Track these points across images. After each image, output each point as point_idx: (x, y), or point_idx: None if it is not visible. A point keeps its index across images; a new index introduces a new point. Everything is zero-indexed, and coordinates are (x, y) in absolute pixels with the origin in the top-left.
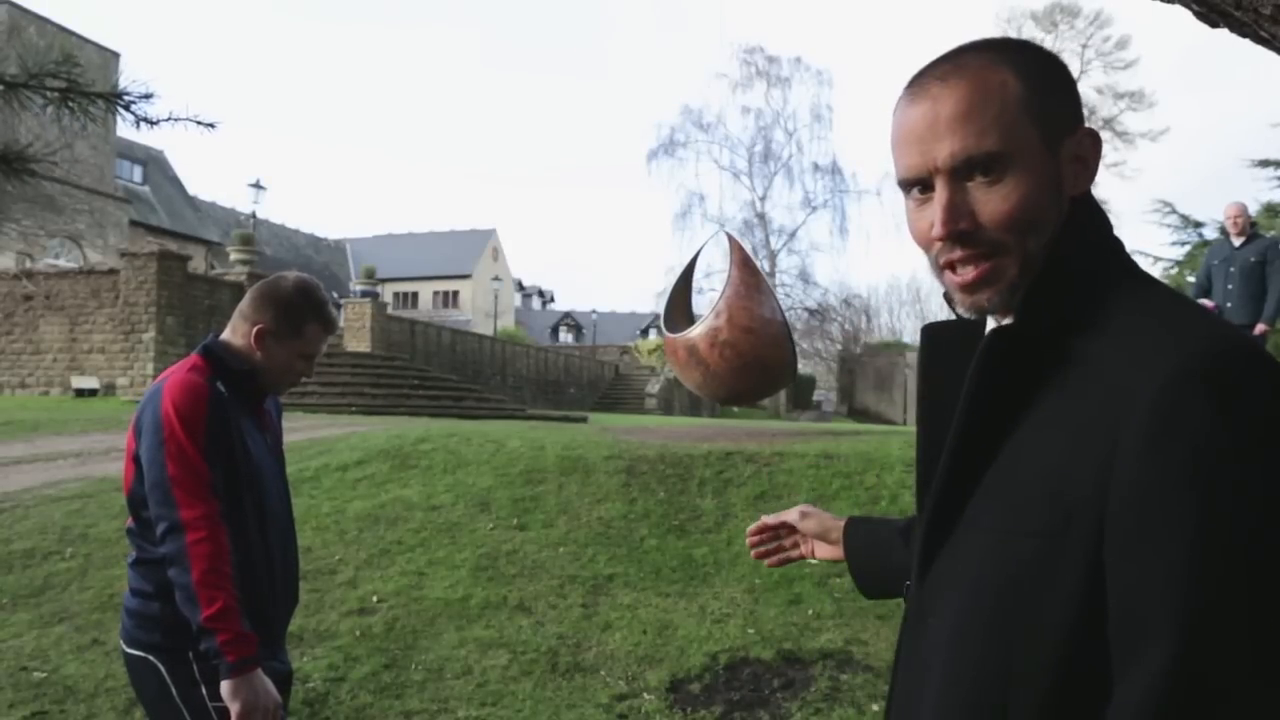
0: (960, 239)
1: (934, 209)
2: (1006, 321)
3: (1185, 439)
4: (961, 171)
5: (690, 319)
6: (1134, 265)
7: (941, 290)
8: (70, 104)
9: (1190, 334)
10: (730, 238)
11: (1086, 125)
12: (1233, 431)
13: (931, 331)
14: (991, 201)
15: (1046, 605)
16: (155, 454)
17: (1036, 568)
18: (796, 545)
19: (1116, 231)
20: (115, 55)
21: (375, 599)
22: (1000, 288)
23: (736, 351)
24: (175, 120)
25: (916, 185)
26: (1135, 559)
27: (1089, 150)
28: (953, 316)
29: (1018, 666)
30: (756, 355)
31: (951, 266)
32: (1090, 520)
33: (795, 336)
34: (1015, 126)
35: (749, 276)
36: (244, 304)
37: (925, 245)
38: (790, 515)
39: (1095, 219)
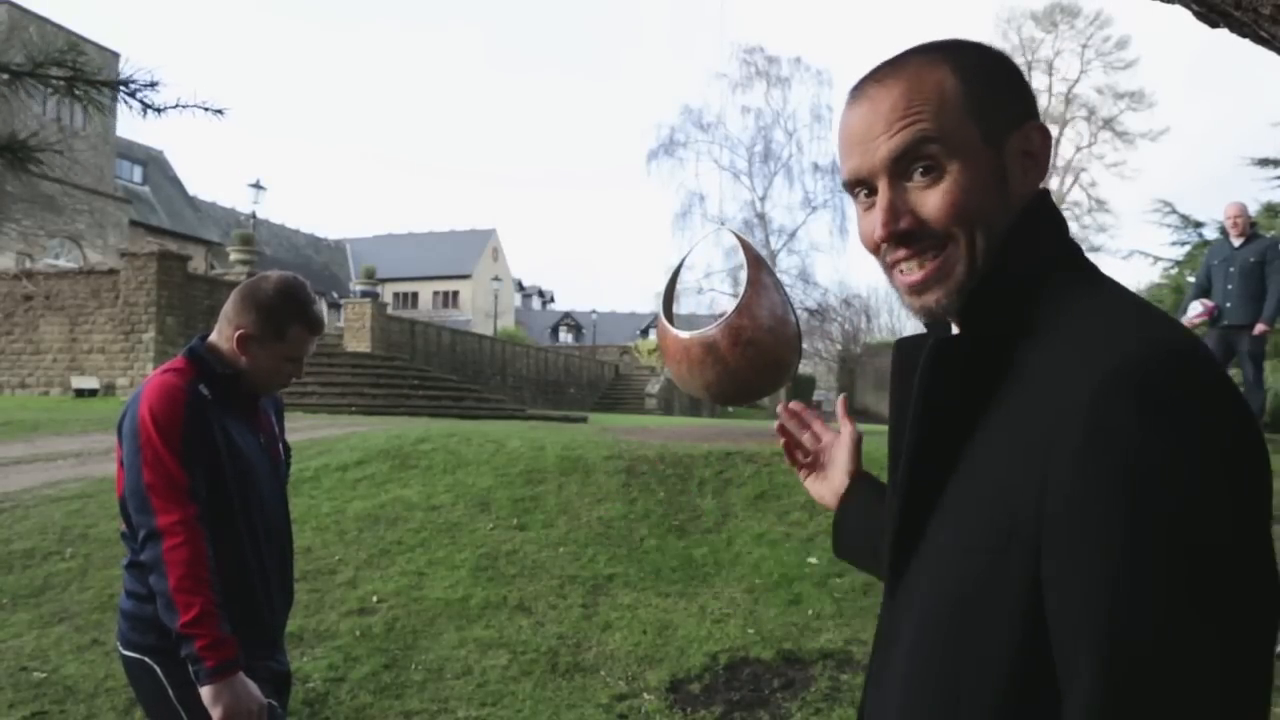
0: (901, 239)
1: (875, 211)
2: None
3: (1112, 451)
4: (899, 169)
5: (672, 318)
6: (1087, 267)
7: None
8: (76, 92)
9: (1122, 340)
10: (739, 238)
11: (1035, 121)
12: (1161, 441)
13: (902, 345)
14: (931, 198)
15: (993, 623)
16: (133, 460)
17: (985, 585)
18: (809, 454)
19: (1116, 231)
20: (115, 55)
21: (375, 599)
22: (949, 288)
23: (759, 350)
24: (183, 107)
25: (862, 188)
26: (1063, 578)
27: (1037, 145)
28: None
29: (968, 685)
30: (775, 354)
31: (898, 268)
32: (1029, 536)
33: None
34: (953, 120)
35: (766, 275)
36: (227, 306)
37: (872, 249)
38: (844, 429)
39: (1045, 220)
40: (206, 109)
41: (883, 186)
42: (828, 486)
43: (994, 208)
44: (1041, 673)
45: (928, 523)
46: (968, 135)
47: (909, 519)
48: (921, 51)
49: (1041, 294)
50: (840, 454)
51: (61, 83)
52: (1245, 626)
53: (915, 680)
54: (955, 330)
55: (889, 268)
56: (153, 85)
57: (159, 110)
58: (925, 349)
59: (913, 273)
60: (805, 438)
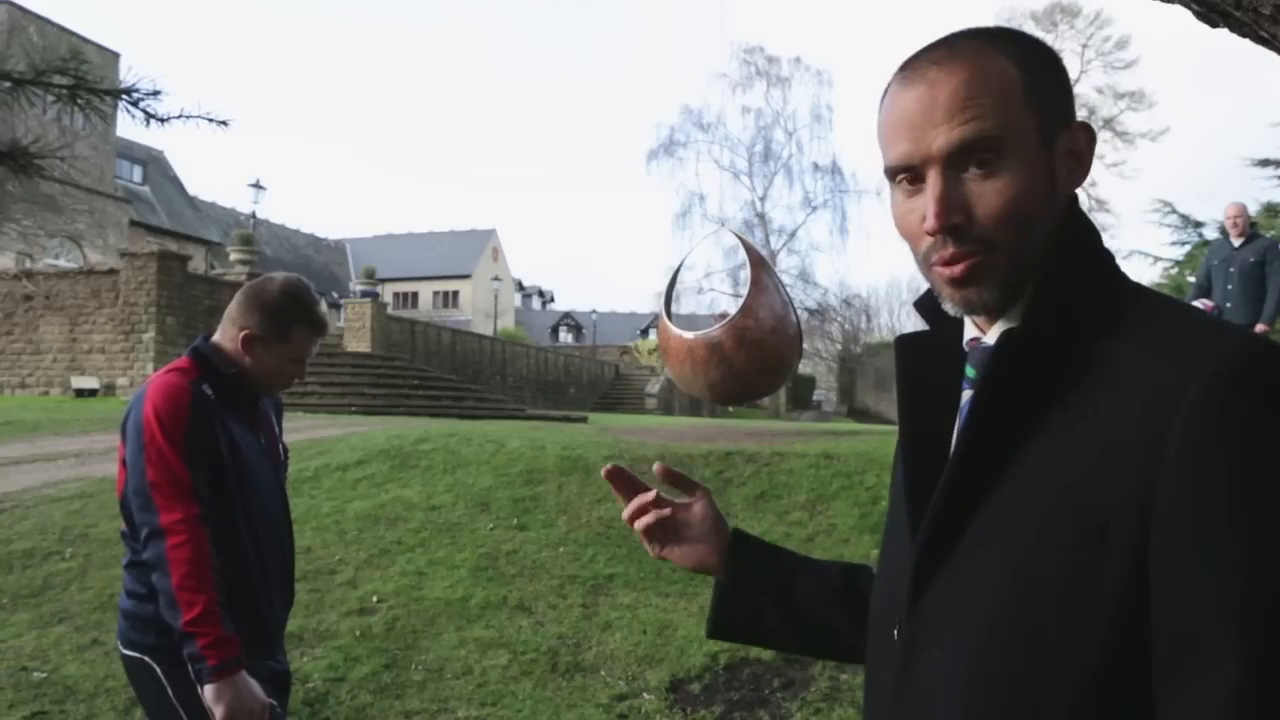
0: (954, 233)
1: (925, 200)
2: (1000, 325)
3: (1235, 441)
4: (956, 161)
5: (671, 318)
6: (1124, 274)
7: (919, 291)
8: (78, 101)
9: (1221, 337)
10: (741, 238)
11: (1082, 122)
12: None
13: (907, 343)
14: (986, 195)
15: (1082, 620)
16: (136, 458)
17: (1068, 583)
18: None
19: (1116, 231)
20: (115, 55)
21: (375, 599)
22: (991, 283)
23: (763, 350)
24: (186, 118)
25: (906, 174)
26: (1191, 568)
27: (1083, 146)
28: (924, 327)
29: (1049, 686)
30: (779, 354)
31: (942, 261)
32: (1130, 529)
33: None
34: (1014, 115)
35: (768, 276)
36: (232, 307)
37: (913, 238)
38: (693, 496)
39: (1089, 224)
40: (211, 120)
41: (934, 176)
42: (691, 553)
43: (1042, 208)
44: (1133, 670)
45: (969, 524)
46: (1026, 131)
47: (948, 520)
48: (977, 36)
49: (1102, 294)
50: (697, 512)
51: (64, 90)
52: None
53: (978, 687)
54: (971, 328)
55: (931, 260)
56: (155, 94)
57: (162, 120)
58: (995, 343)
59: (956, 266)
60: (640, 506)
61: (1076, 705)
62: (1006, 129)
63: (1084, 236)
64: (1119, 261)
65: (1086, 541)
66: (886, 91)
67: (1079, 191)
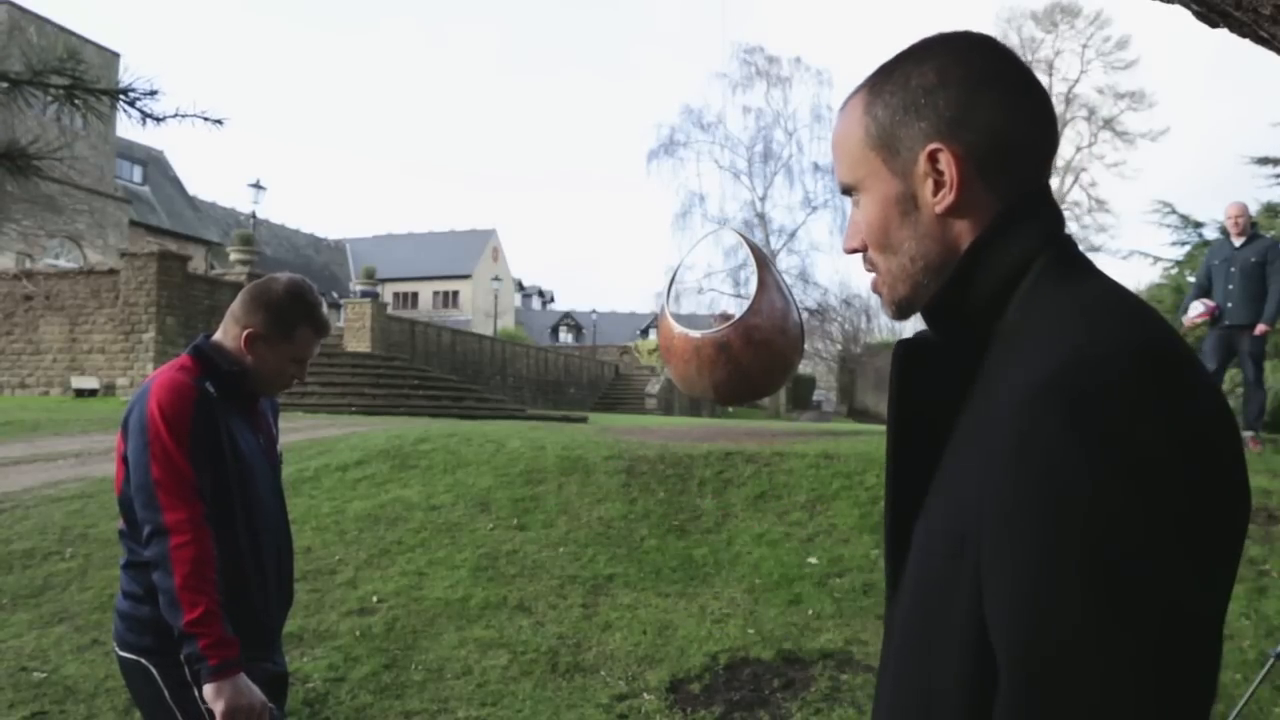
0: (855, 254)
1: None
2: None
3: (1036, 459)
4: (848, 193)
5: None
6: (1077, 266)
7: None
8: (75, 101)
9: (1059, 345)
10: (746, 239)
11: (937, 144)
12: (1084, 450)
13: (899, 347)
14: (862, 224)
15: (951, 627)
16: (140, 456)
17: (944, 588)
18: None
19: (1116, 231)
20: (115, 55)
21: (375, 599)
22: (887, 299)
23: (770, 350)
24: (182, 117)
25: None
26: (991, 584)
27: (945, 164)
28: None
29: (938, 684)
30: (785, 354)
31: None
32: (975, 541)
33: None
34: (859, 159)
35: (774, 277)
36: (235, 306)
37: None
38: None
39: (1021, 223)
40: (206, 119)
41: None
42: None
43: (905, 230)
44: (994, 674)
45: (911, 524)
46: (874, 169)
47: (897, 519)
48: (865, 84)
49: (1011, 297)
50: None
51: (61, 91)
52: (1164, 643)
53: (899, 680)
54: None
55: None
56: (152, 94)
57: (159, 120)
58: (893, 351)
59: (874, 283)
60: None
61: (956, 703)
62: (854, 173)
63: (1000, 242)
64: (1119, 261)
65: (951, 551)
66: None
67: (1080, 191)
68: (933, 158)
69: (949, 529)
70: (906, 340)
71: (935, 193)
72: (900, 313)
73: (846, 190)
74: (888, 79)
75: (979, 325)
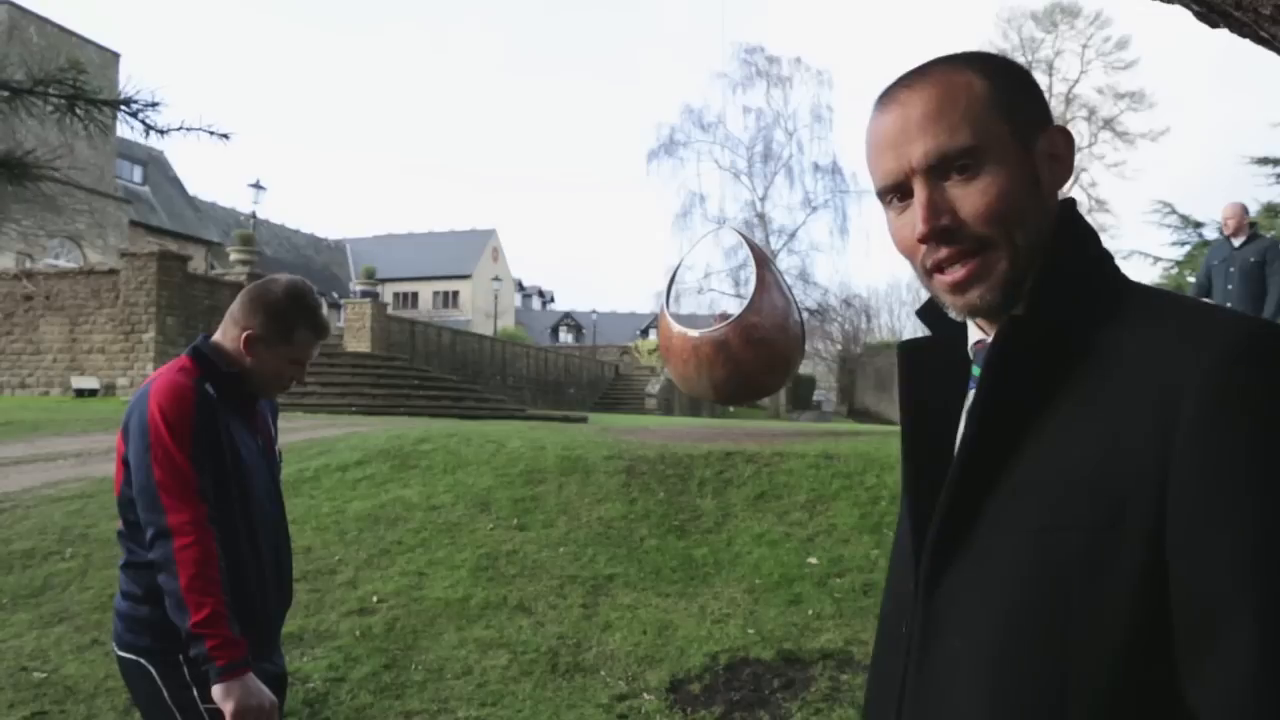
0: (943, 236)
1: (914, 211)
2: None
3: (1245, 416)
4: (937, 170)
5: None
6: (1121, 271)
7: (919, 292)
8: (77, 111)
9: (1223, 319)
10: (746, 238)
11: (1058, 125)
12: None
13: (910, 348)
14: (970, 196)
15: (1104, 597)
16: (142, 458)
17: (1089, 562)
18: None
19: (1116, 231)
20: (115, 56)
21: (375, 599)
22: (991, 284)
23: (770, 349)
24: (187, 130)
25: (895, 193)
26: (1207, 541)
27: (1062, 147)
28: (925, 333)
29: (1076, 663)
30: (785, 352)
31: (939, 268)
32: (1147, 506)
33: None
34: (985, 121)
35: (772, 275)
36: (234, 307)
37: (910, 251)
38: None
39: (1085, 224)
40: (212, 133)
41: (919, 187)
42: None
43: (1029, 206)
44: (1156, 645)
45: (982, 511)
46: (1000, 134)
47: (962, 508)
48: (944, 60)
49: (1103, 284)
50: None
51: (62, 101)
52: None
53: (1003, 668)
54: (976, 332)
55: (929, 268)
56: (154, 105)
57: (162, 132)
58: (998, 330)
59: (955, 271)
60: None
61: (1103, 680)
62: (979, 135)
63: (1081, 235)
64: (1119, 261)
65: (1102, 522)
66: (869, 120)
67: (1080, 191)
68: (1053, 138)
69: (1084, 504)
70: (1015, 321)
71: (1052, 174)
72: (1000, 302)
73: (947, 159)
74: (978, 61)
75: (1082, 306)
